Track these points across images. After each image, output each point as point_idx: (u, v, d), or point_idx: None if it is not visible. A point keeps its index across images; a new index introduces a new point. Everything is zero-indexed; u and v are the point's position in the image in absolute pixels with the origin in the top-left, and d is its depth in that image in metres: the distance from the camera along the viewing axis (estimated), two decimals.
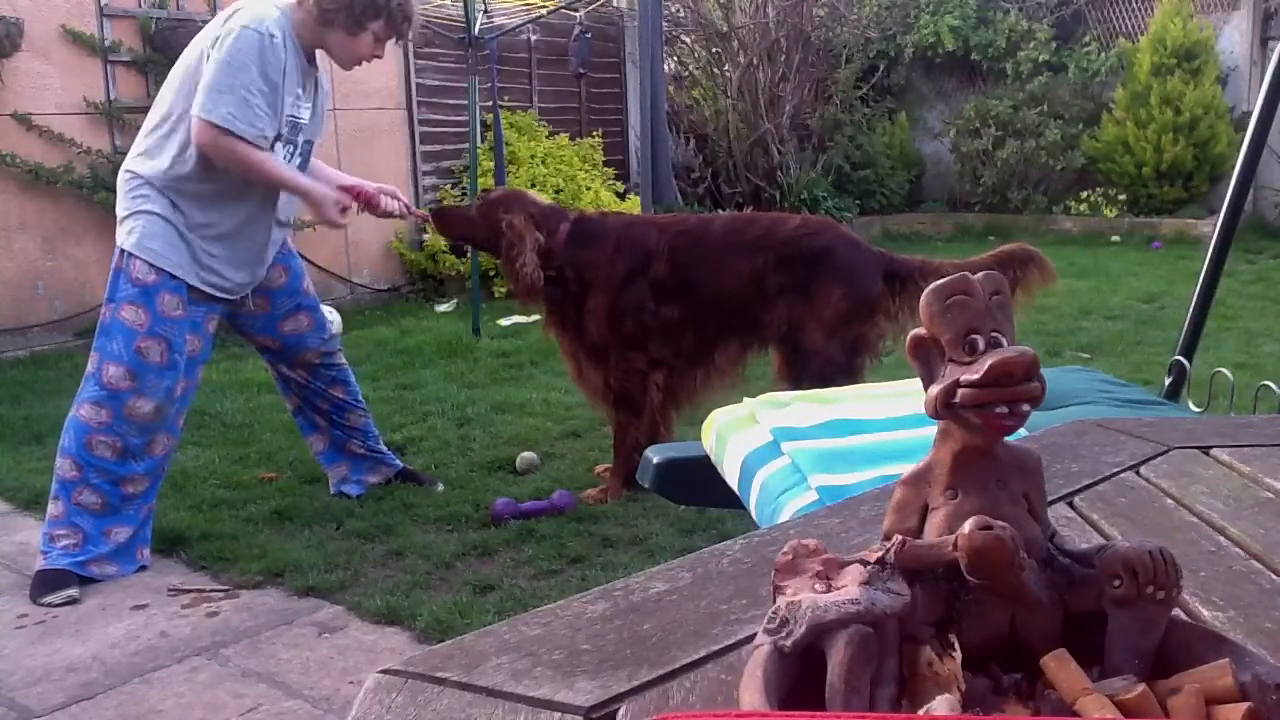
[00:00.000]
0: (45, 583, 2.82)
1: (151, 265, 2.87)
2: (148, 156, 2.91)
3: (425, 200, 6.89)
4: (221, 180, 2.91)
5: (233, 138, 2.81)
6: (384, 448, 3.56)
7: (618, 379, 3.40)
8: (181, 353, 2.92)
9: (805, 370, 3.20)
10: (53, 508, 2.90)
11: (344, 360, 3.41)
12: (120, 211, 2.94)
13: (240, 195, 2.96)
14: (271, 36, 2.82)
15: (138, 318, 2.86)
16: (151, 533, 3.02)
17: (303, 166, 3.07)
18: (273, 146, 2.91)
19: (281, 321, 3.23)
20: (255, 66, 2.79)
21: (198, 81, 2.83)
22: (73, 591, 2.81)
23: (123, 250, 2.90)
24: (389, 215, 3.25)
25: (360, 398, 3.46)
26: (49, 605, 2.76)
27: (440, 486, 3.52)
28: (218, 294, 3.00)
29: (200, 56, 2.85)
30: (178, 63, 2.94)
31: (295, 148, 3.02)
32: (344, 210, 3.08)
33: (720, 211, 8.19)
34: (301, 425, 3.48)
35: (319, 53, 3.04)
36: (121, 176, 2.95)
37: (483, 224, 3.38)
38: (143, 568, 2.96)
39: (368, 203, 3.17)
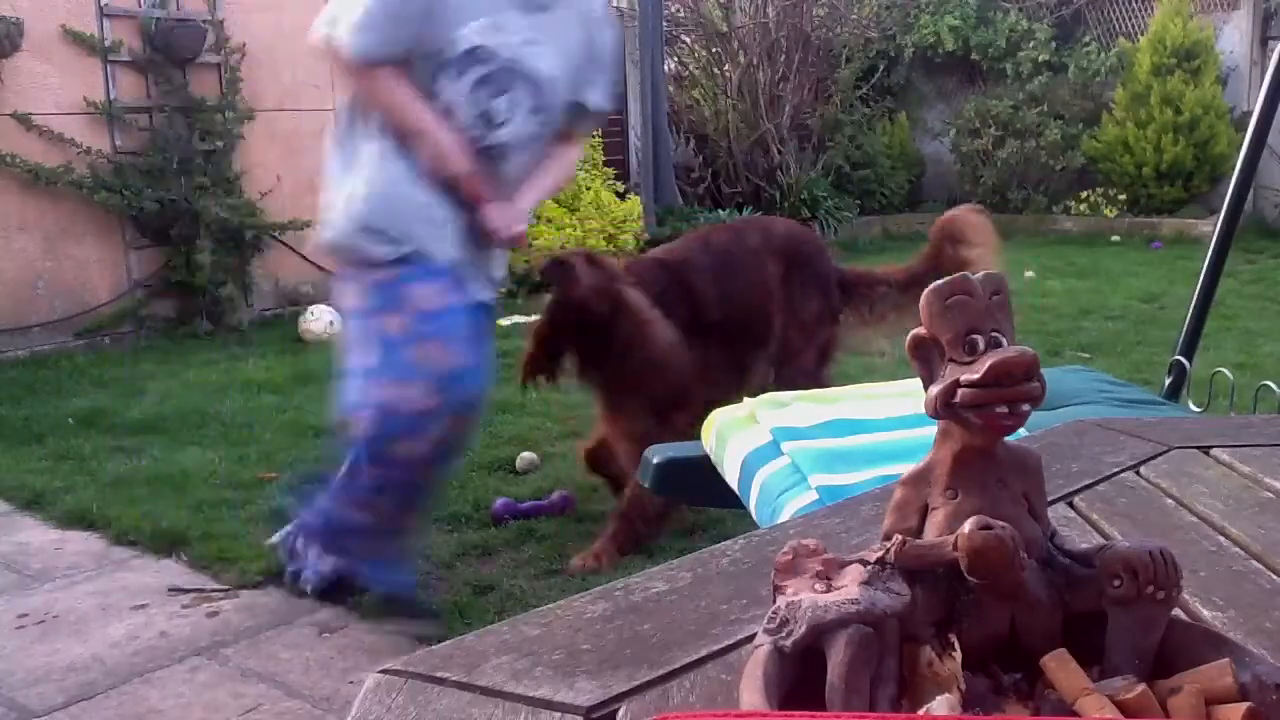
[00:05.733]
0: (405, 611, 2.59)
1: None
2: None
3: None
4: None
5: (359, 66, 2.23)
6: None
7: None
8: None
9: (779, 377, 3.19)
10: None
11: None
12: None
13: None
14: None
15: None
16: None
17: (523, 152, 2.38)
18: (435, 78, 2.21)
19: None
20: None
21: None
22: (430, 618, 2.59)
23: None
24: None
25: None
26: (424, 638, 2.32)
27: None
28: None
29: None
30: None
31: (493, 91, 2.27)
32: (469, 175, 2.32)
33: (720, 212, 8.18)
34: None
35: None
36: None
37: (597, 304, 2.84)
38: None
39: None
